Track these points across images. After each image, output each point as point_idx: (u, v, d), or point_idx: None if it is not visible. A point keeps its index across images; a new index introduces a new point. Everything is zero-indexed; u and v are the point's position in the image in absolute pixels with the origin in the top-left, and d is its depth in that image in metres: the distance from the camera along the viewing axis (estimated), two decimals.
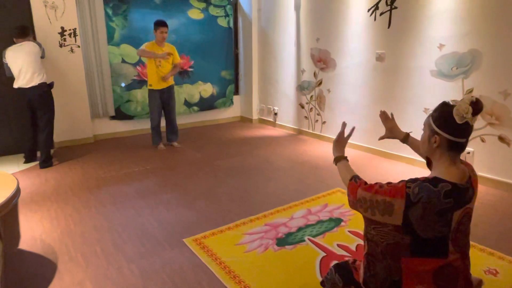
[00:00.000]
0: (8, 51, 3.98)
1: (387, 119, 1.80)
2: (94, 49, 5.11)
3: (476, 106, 1.20)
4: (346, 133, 1.63)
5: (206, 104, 6.33)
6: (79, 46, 4.93)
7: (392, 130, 1.78)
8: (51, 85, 4.18)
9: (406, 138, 1.74)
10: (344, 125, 1.64)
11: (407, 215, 1.20)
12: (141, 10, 5.40)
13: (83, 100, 5.10)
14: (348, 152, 4.89)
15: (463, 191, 1.23)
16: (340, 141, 1.61)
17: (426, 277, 1.24)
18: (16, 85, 4.01)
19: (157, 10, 5.53)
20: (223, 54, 6.35)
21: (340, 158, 1.55)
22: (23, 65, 3.93)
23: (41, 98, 4.06)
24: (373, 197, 1.26)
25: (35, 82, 3.99)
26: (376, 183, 1.30)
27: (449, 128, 1.23)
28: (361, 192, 1.30)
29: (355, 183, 1.36)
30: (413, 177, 1.26)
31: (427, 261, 1.24)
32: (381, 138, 1.85)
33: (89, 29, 5.01)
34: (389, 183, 1.28)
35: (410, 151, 4.12)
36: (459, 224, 1.25)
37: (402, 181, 1.26)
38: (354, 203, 1.35)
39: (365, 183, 1.34)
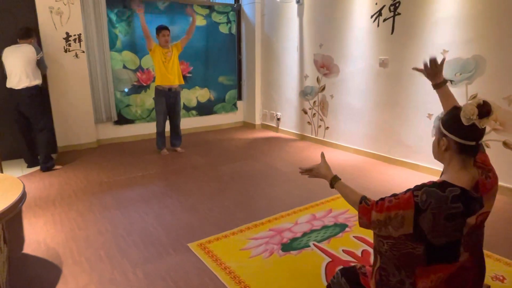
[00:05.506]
0: (6, 50, 4.01)
1: (435, 65, 1.62)
2: (99, 54, 5.14)
3: (483, 108, 1.20)
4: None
5: (204, 109, 6.37)
6: (83, 52, 4.96)
7: (432, 75, 1.64)
8: (41, 89, 4.14)
9: (440, 85, 1.61)
10: (322, 155, 1.70)
11: (417, 223, 1.19)
12: (145, 16, 5.43)
13: (87, 105, 5.12)
14: (351, 157, 4.89)
15: (473, 197, 1.22)
16: (325, 165, 1.63)
17: (440, 284, 1.24)
18: (8, 84, 4.02)
19: (161, 16, 5.58)
20: (222, 60, 6.40)
21: (336, 179, 1.54)
22: (14, 66, 3.94)
23: (28, 101, 4.00)
24: (386, 215, 1.24)
25: (24, 84, 3.95)
26: (384, 199, 1.28)
27: (457, 130, 1.24)
28: (375, 215, 1.27)
29: (366, 206, 1.32)
30: (417, 183, 1.24)
31: (442, 267, 1.23)
32: (416, 69, 1.74)
33: (94, 35, 5.04)
34: (394, 195, 1.27)
35: (414, 157, 4.15)
36: (474, 229, 1.24)
37: (408, 190, 1.24)
38: (367, 225, 1.32)
39: (376, 203, 1.31)
